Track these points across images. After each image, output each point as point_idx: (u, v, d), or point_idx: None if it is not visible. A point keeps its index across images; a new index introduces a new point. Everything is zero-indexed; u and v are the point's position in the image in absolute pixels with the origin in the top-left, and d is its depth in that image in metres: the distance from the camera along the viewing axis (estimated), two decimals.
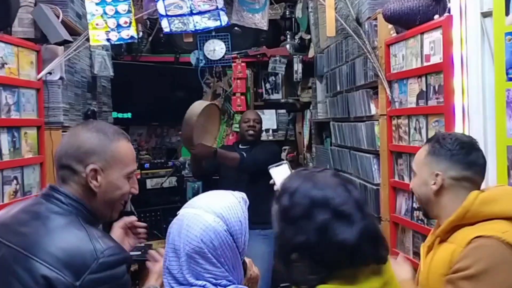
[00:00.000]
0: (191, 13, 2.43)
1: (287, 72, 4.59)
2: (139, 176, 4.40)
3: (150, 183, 4.38)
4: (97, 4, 2.42)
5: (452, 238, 1.42)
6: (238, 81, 4.51)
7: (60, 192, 1.27)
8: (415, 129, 2.16)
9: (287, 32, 4.65)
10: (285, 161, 1.75)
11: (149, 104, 4.39)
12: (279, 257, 1.18)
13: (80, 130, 1.33)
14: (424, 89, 2.07)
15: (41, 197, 1.30)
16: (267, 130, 4.86)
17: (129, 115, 4.34)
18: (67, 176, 1.29)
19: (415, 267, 1.62)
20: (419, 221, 2.15)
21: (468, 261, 1.32)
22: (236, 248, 1.26)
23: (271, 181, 1.64)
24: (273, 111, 4.89)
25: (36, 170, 2.35)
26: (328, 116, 3.60)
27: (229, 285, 1.23)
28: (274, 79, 4.85)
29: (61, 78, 2.54)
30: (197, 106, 3.19)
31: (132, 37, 2.44)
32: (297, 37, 4.61)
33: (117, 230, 1.68)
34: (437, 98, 1.98)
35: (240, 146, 3.64)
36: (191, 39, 2.74)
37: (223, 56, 4.29)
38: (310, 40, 4.36)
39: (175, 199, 4.42)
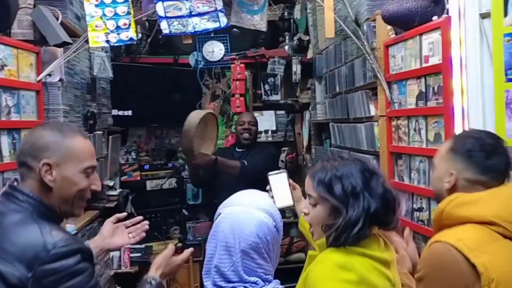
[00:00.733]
0: (190, 15, 2.43)
1: (286, 73, 4.59)
2: (138, 178, 4.40)
3: (150, 185, 4.38)
4: (96, 5, 2.42)
5: (428, 241, 1.45)
6: (237, 82, 4.50)
7: (17, 190, 1.32)
8: (414, 130, 2.16)
9: (286, 33, 4.65)
10: (284, 170, 1.76)
11: (149, 105, 4.39)
12: (345, 235, 1.24)
13: (36, 129, 1.39)
14: (424, 90, 2.07)
15: (1, 195, 1.35)
16: (266, 131, 4.86)
17: (129, 112, 4.34)
18: (25, 173, 1.34)
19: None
20: (419, 222, 2.15)
21: (421, 264, 1.39)
22: (280, 241, 1.33)
23: (267, 187, 1.66)
24: (272, 112, 4.90)
25: None
26: (327, 117, 3.60)
27: (273, 280, 1.29)
28: (273, 80, 4.86)
29: (60, 79, 2.54)
30: (194, 117, 3.18)
31: (131, 39, 2.44)
32: (295, 38, 4.61)
33: (107, 225, 1.69)
34: (436, 99, 1.98)
35: (236, 149, 3.63)
36: (190, 41, 2.74)
37: (222, 58, 4.30)
38: (308, 41, 4.37)
39: (175, 200, 4.42)
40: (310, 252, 1.33)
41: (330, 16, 2.51)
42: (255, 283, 1.24)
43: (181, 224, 4.26)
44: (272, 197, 1.56)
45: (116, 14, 2.42)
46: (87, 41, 2.49)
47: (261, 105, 4.86)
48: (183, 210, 4.28)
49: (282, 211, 1.52)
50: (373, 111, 2.61)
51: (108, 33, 2.42)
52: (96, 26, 2.41)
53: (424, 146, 2.08)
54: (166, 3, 2.41)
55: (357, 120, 2.85)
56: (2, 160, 2.06)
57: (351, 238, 1.23)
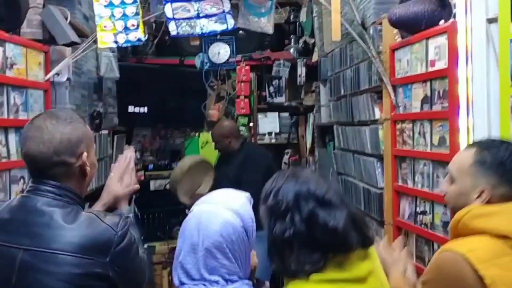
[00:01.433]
0: (198, 16, 2.44)
1: (291, 75, 4.60)
2: (142, 178, 4.41)
3: (153, 185, 4.39)
4: (105, 6, 2.43)
5: (441, 247, 1.43)
6: (242, 84, 4.52)
7: (51, 185, 1.32)
8: (419, 133, 2.16)
9: (291, 36, 4.66)
10: None
11: (154, 106, 4.40)
12: (273, 253, 1.24)
13: (54, 125, 1.34)
14: (429, 94, 2.07)
15: (29, 194, 1.33)
16: (269, 133, 4.87)
17: (145, 109, 4.38)
18: (61, 172, 1.33)
19: (420, 272, 1.62)
20: (423, 225, 2.15)
21: (428, 268, 1.37)
22: (248, 244, 1.30)
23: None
24: (276, 114, 4.91)
25: None
26: (331, 120, 3.60)
27: (238, 280, 1.26)
28: (277, 82, 4.87)
29: (68, 79, 2.55)
30: (179, 170, 3.51)
31: (139, 40, 2.45)
32: (301, 41, 4.62)
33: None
34: (441, 103, 1.99)
35: (223, 159, 3.69)
36: (197, 42, 2.76)
37: (228, 59, 4.31)
38: (314, 44, 4.37)
39: (178, 201, 4.43)
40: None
41: (337, 18, 2.52)
42: (216, 282, 1.24)
43: None
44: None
45: (124, 15, 2.42)
46: (95, 41, 2.49)
47: (265, 107, 4.87)
48: (186, 211, 4.27)
49: None
50: (377, 114, 2.61)
51: (116, 33, 2.43)
52: (105, 26, 2.42)
53: (428, 149, 2.08)
54: (174, 5, 2.42)
55: (361, 123, 2.85)
56: (10, 158, 2.07)
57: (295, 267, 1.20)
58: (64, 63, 2.46)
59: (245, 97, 4.54)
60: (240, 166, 3.50)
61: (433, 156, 2.04)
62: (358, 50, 2.87)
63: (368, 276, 1.26)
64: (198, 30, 2.45)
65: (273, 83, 4.87)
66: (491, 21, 1.80)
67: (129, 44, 2.49)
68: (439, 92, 2.00)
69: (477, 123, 1.86)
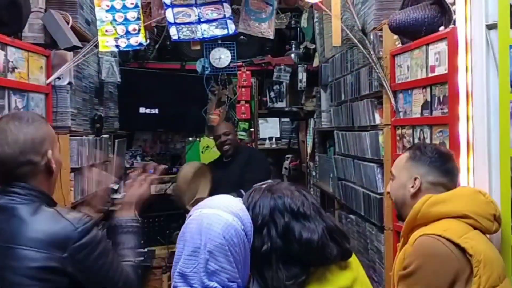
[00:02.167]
0: (199, 21, 2.45)
1: (292, 81, 4.61)
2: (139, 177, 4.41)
3: (154, 189, 4.37)
4: (107, 11, 2.44)
5: (410, 238, 1.51)
6: (243, 89, 4.53)
7: (15, 185, 1.34)
8: (419, 139, 2.16)
9: (292, 41, 4.68)
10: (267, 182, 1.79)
11: (155, 111, 4.41)
12: (253, 268, 1.24)
13: (17, 126, 1.36)
14: (429, 99, 2.08)
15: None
16: (270, 138, 4.87)
17: (156, 110, 4.41)
18: (27, 171, 1.36)
19: None
20: None
21: (410, 259, 1.44)
22: (248, 248, 1.28)
23: None
24: (277, 119, 4.91)
25: None
26: (332, 125, 3.61)
27: None
28: (278, 87, 4.87)
29: (69, 83, 2.56)
30: (183, 179, 3.42)
31: (140, 44, 2.46)
32: (302, 46, 4.63)
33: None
34: (441, 109, 1.99)
35: (224, 160, 3.56)
36: (198, 47, 2.76)
37: (229, 64, 4.32)
38: (315, 49, 4.38)
39: (179, 205, 4.42)
40: None
41: (337, 24, 2.53)
42: None
43: None
44: None
45: (126, 19, 2.44)
46: (96, 46, 2.51)
47: (266, 112, 4.88)
48: (187, 215, 4.27)
49: None
50: (378, 120, 2.61)
51: (117, 38, 2.44)
52: (106, 31, 2.43)
53: None
54: (176, 10, 2.44)
55: (362, 128, 2.85)
56: None
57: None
58: (65, 67, 2.47)
59: (246, 102, 4.55)
60: (244, 166, 3.45)
61: None
62: (358, 56, 2.87)
63: (353, 285, 1.27)
64: (199, 35, 2.47)
65: (274, 88, 4.88)
66: (490, 27, 1.81)
67: (130, 49, 2.51)
68: (439, 98, 2.01)
69: (477, 128, 1.86)
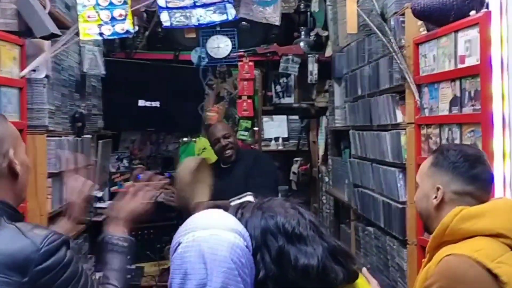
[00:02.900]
0: (195, 6, 2.46)
1: (301, 73, 4.61)
2: (131, 189, 4.42)
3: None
4: None
5: (435, 256, 1.49)
6: (245, 82, 4.53)
7: None
8: (447, 140, 2.16)
9: (302, 28, 4.67)
10: (249, 193, 1.75)
11: (144, 107, 4.41)
12: None
13: None
14: (458, 94, 2.07)
15: None
16: (276, 139, 4.87)
17: (157, 103, 4.42)
18: None
19: None
20: None
21: (432, 279, 1.42)
22: (252, 259, 1.25)
23: None
24: (284, 117, 4.91)
25: None
26: (347, 123, 3.61)
27: None
28: (285, 80, 4.87)
29: (46, 76, 2.56)
30: (185, 173, 3.28)
31: (127, 32, 2.47)
32: (312, 33, 4.63)
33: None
34: (473, 105, 1.98)
35: (221, 165, 3.45)
36: (193, 35, 2.77)
37: (229, 54, 4.31)
38: (327, 37, 4.38)
39: (171, 215, 4.42)
40: None
41: (353, 9, 2.53)
42: None
43: None
44: None
45: (111, 3, 2.44)
46: (77, 34, 2.51)
47: (271, 109, 4.88)
48: (180, 227, 4.28)
49: None
50: (400, 118, 2.61)
51: (101, 24, 2.44)
52: (88, 16, 2.44)
53: None
54: None
55: (381, 127, 2.85)
56: None
57: None
58: (42, 58, 2.47)
59: (248, 97, 4.55)
60: (248, 172, 3.36)
61: None
62: (377, 45, 2.87)
63: None
64: (194, 21, 2.47)
65: (281, 81, 4.88)
66: None
67: (116, 37, 2.51)
68: (470, 93, 2.00)
69: None
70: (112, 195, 4.18)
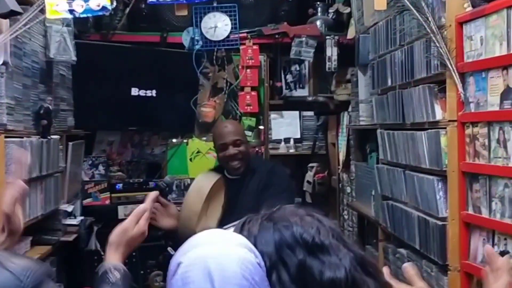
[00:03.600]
0: None
1: (317, 59, 4.61)
2: (108, 201, 4.43)
3: (123, 212, 4.39)
4: None
5: None
6: (248, 70, 4.54)
7: None
8: (497, 141, 2.15)
9: (318, 3, 4.68)
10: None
11: (124, 101, 4.42)
12: None
13: None
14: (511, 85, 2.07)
15: None
16: (287, 140, 4.87)
17: (153, 92, 4.45)
18: None
19: None
20: None
21: None
22: (266, 279, 1.24)
23: None
24: (296, 113, 4.92)
25: None
26: (374, 121, 3.60)
27: None
28: (298, 68, 4.88)
29: (4, 63, 2.57)
30: (196, 197, 3.11)
31: (104, 8, 2.47)
32: (331, 10, 4.63)
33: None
34: None
35: (227, 175, 3.32)
36: (185, 12, 2.76)
37: (228, 36, 4.33)
38: (349, 14, 4.38)
39: (158, 234, 4.42)
40: None
41: None
42: None
43: (165, 268, 4.25)
44: None
45: None
46: (42, 11, 2.52)
47: (280, 103, 4.89)
48: (169, 249, 4.27)
49: None
50: (439, 114, 2.61)
51: (72, 0, 2.45)
52: None
53: (511, 164, 2.07)
54: None
55: (416, 126, 2.85)
56: None
57: None
58: None
59: (252, 89, 4.56)
60: (262, 188, 3.20)
61: None
62: (411, 24, 2.87)
63: None
64: None
65: (292, 69, 4.89)
66: None
67: (89, 15, 2.51)
68: None
69: None
70: (84, 210, 4.19)
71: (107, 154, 4.67)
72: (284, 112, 4.90)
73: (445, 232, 2.54)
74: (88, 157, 4.48)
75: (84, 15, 2.52)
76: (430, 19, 2.52)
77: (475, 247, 2.36)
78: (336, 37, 4.51)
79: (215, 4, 4.20)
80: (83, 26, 4.21)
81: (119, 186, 4.53)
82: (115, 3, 3.99)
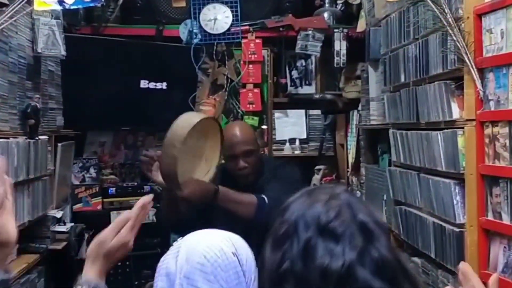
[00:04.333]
0: None
1: (325, 53, 4.61)
2: (99, 207, 4.43)
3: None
4: None
5: None
6: (251, 66, 4.54)
7: None
8: None
9: None
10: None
11: (118, 98, 4.42)
12: None
13: None
14: None
15: None
16: (292, 141, 4.87)
17: (163, 85, 4.46)
18: None
19: None
20: None
21: None
22: (244, 281, 1.35)
23: None
24: (302, 112, 4.92)
25: None
26: (386, 120, 3.60)
27: None
28: (304, 64, 4.88)
29: None
30: (182, 125, 2.90)
31: (95, 0, 2.47)
32: (340, 1, 4.63)
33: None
34: None
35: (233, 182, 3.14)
36: (183, 3, 2.77)
37: (229, 29, 4.33)
38: (359, 5, 4.38)
39: (153, 242, 4.43)
40: None
41: None
42: None
43: None
44: None
45: None
46: (30, 2, 2.52)
47: (285, 101, 4.89)
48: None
49: None
50: (456, 113, 2.61)
51: None
52: None
53: None
54: None
55: (431, 125, 2.85)
56: None
57: None
58: None
59: (255, 86, 4.56)
60: (264, 190, 3.17)
61: None
62: (426, 16, 2.87)
63: None
64: None
65: (298, 64, 4.89)
66: None
67: (80, 6, 2.52)
68: None
69: None
70: (74, 216, 4.20)
71: (98, 156, 4.68)
72: (289, 111, 4.89)
73: (462, 240, 2.54)
74: (79, 159, 4.48)
75: (75, 7, 2.53)
76: (446, 10, 2.52)
77: (495, 256, 2.35)
78: (345, 30, 4.51)
79: None
80: (73, 19, 4.20)
81: (112, 190, 4.54)
82: None
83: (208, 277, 1.32)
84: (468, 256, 2.49)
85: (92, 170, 4.53)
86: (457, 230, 2.59)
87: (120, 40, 4.48)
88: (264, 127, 4.75)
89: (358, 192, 4.33)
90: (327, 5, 4.66)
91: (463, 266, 1.65)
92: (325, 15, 4.60)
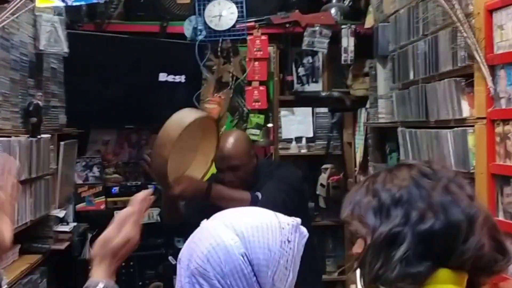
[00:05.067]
0: None
1: (332, 50, 4.61)
2: (103, 206, 4.44)
3: None
4: None
5: None
6: (256, 63, 4.53)
7: None
8: None
9: None
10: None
11: (121, 96, 4.43)
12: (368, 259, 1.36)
13: None
14: None
15: None
16: (298, 139, 4.86)
17: (182, 78, 4.48)
18: None
19: None
20: None
21: None
22: (256, 283, 1.31)
23: None
24: (309, 109, 4.91)
25: None
26: (394, 118, 3.60)
27: None
28: (311, 61, 4.87)
29: None
30: (174, 127, 2.86)
31: None
32: None
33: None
34: None
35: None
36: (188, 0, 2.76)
37: (234, 25, 4.33)
38: (367, 1, 4.37)
39: (157, 242, 4.44)
40: None
41: None
42: None
43: (166, 279, 4.26)
44: None
45: None
46: None
47: (291, 99, 4.88)
48: (170, 258, 4.29)
49: None
50: (466, 111, 2.60)
51: None
52: None
53: None
54: None
55: (441, 124, 2.85)
56: None
57: (392, 275, 1.29)
58: None
59: (261, 83, 4.55)
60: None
61: None
62: (435, 12, 2.86)
63: None
64: None
65: (304, 61, 4.88)
66: None
67: (83, 3, 2.52)
68: None
69: None
70: (77, 215, 4.20)
71: (102, 155, 4.68)
72: (296, 109, 4.89)
73: None
74: (82, 158, 4.49)
75: (77, 3, 2.53)
76: (456, 6, 2.51)
77: None
78: (353, 26, 4.50)
79: None
80: (75, 15, 4.21)
81: (115, 189, 4.54)
82: None
83: (212, 281, 1.30)
84: None
85: (95, 169, 4.53)
86: None
87: (124, 37, 4.48)
88: (270, 125, 4.75)
89: None
90: (334, 1, 4.65)
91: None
92: (332, 11, 4.59)
